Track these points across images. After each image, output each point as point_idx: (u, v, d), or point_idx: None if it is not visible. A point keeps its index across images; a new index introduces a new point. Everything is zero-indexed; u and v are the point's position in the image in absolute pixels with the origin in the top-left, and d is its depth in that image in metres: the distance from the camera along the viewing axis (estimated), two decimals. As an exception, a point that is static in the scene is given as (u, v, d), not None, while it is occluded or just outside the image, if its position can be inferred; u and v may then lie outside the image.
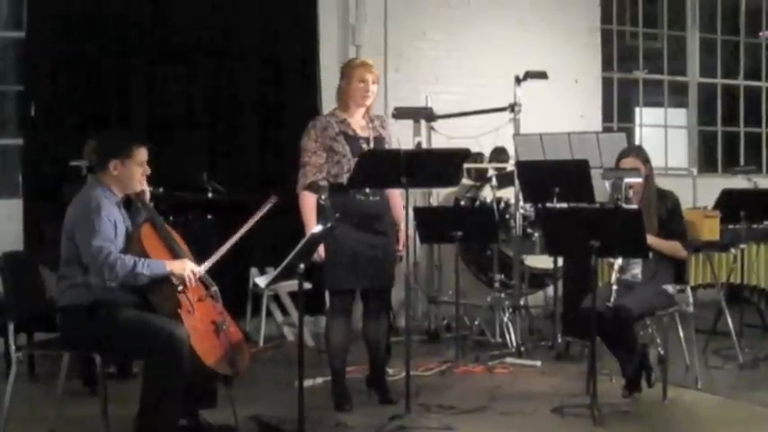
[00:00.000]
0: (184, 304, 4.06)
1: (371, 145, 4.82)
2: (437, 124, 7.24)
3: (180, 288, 4.03)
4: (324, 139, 4.79)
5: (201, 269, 4.15)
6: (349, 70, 4.89)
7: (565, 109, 8.23)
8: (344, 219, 4.66)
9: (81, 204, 4.08)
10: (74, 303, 4.04)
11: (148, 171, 4.23)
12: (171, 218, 5.57)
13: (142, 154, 4.19)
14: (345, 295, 4.86)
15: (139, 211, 4.27)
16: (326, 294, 5.13)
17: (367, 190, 4.77)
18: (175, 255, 4.18)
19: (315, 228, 4.24)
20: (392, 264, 4.92)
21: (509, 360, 6.05)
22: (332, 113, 4.92)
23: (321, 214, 4.68)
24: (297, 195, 4.83)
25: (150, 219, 4.24)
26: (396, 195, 4.95)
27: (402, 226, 4.95)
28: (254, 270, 6.69)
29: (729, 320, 5.95)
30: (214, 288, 4.25)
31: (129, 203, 4.28)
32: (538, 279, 7.28)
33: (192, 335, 3.94)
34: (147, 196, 4.28)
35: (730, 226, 6.00)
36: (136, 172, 4.18)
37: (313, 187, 4.75)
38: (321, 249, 4.66)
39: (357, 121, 4.88)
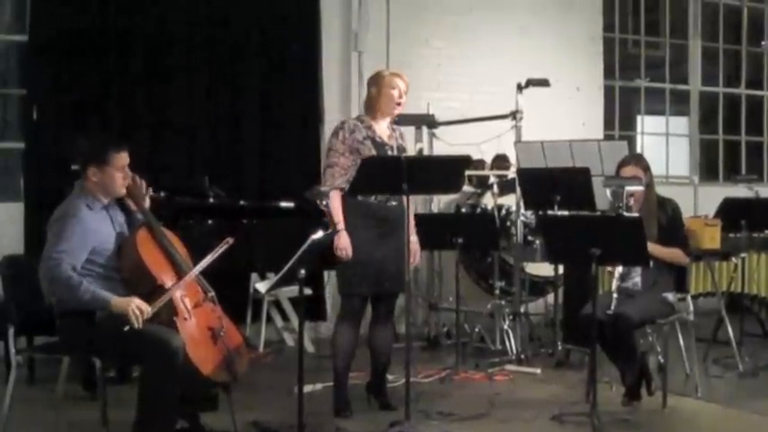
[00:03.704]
0: (180, 311, 4.04)
1: (396, 153, 4.83)
2: (439, 131, 7.25)
3: (126, 328, 3.83)
4: (351, 141, 4.77)
5: (150, 309, 3.90)
6: (380, 79, 4.87)
7: (566, 117, 8.22)
8: (362, 223, 4.69)
9: (59, 212, 4.05)
10: (70, 310, 4.01)
11: (130, 175, 4.17)
12: (172, 222, 5.56)
13: (121, 159, 4.13)
14: (359, 299, 4.84)
15: (135, 214, 4.26)
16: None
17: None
18: (172, 259, 4.17)
19: (315, 234, 4.23)
20: (405, 266, 4.88)
21: (509, 367, 6.05)
22: (359, 118, 4.91)
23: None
24: (301, 199, 4.82)
25: (147, 223, 4.23)
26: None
27: (413, 238, 4.87)
28: (254, 275, 6.68)
29: (730, 329, 5.94)
30: (211, 294, 4.23)
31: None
32: (538, 286, 7.27)
33: (187, 343, 3.93)
34: (147, 203, 4.27)
35: (731, 235, 6.01)
36: (116, 177, 4.12)
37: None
38: (349, 248, 4.64)
39: (383, 130, 4.88)
